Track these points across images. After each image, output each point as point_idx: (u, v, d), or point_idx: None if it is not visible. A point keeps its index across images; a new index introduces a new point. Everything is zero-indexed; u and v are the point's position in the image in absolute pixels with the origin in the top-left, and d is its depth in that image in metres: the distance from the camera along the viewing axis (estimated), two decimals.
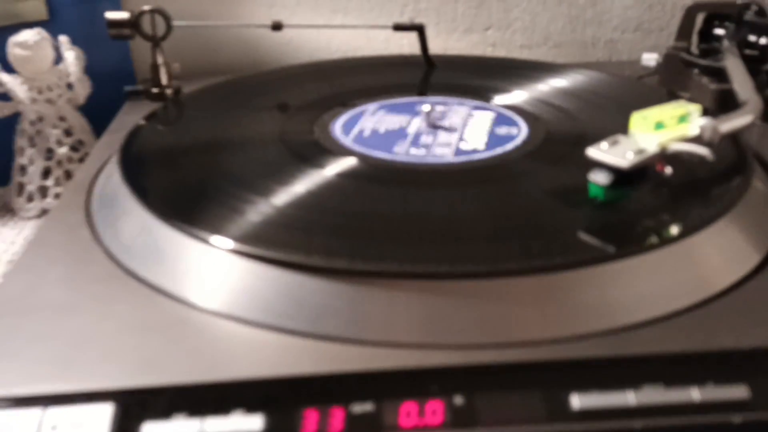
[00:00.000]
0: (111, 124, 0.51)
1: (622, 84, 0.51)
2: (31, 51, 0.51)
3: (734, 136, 0.39)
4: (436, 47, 0.66)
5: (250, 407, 0.24)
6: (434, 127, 0.43)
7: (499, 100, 0.49)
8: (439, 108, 0.46)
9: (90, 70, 0.55)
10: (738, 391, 0.25)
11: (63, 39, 0.53)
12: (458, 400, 0.25)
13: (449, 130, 0.43)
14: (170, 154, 0.42)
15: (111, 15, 0.52)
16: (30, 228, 0.50)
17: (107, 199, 0.37)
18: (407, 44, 0.67)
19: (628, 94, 0.49)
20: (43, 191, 0.53)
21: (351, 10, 0.66)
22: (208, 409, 0.24)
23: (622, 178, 0.32)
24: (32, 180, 0.52)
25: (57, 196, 0.52)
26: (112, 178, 0.38)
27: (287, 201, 0.34)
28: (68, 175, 0.53)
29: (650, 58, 0.57)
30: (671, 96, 0.49)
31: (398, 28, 0.55)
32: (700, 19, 0.54)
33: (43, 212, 0.52)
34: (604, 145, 0.33)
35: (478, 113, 0.46)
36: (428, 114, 0.44)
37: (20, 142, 0.53)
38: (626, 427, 0.24)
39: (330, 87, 0.52)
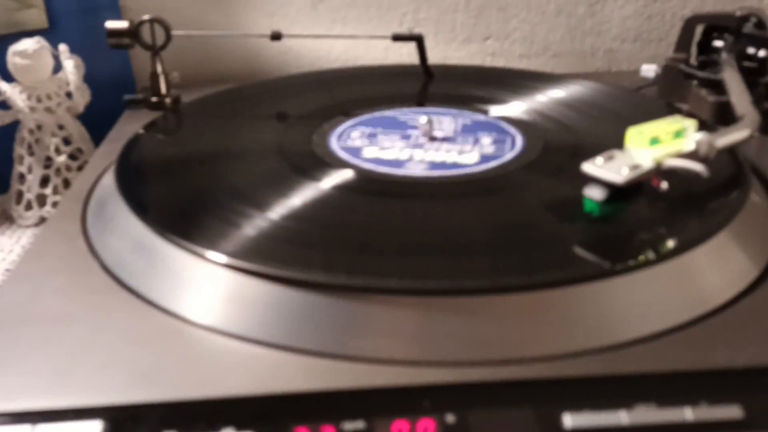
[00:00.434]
0: (110, 133, 0.51)
1: (620, 95, 0.51)
2: (31, 60, 0.51)
3: (732, 150, 0.39)
4: (435, 56, 0.66)
5: (241, 424, 0.24)
6: (431, 138, 0.43)
7: (497, 111, 0.49)
8: (437, 119, 0.46)
9: (90, 78, 0.55)
10: (731, 411, 0.25)
11: (62, 48, 0.53)
12: (450, 418, 0.25)
13: (446, 142, 0.43)
14: (167, 166, 0.42)
15: (111, 24, 0.52)
16: (28, 236, 0.50)
17: (103, 211, 0.37)
18: (407, 53, 0.67)
19: (626, 105, 0.49)
20: (42, 199, 0.53)
21: (350, 20, 0.66)
22: (198, 426, 0.24)
23: (617, 193, 0.32)
24: (31, 188, 0.53)
25: (55, 204, 0.52)
26: (108, 190, 0.38)
27: (282, 214, 0.34)
28: (67, 183, 0.53)
29: (649, 69, 0.57)
30: (670, 108, 0.49)
31: (397, 38, 0.56)
32: (699, 30, 0.54)
33: (42, 220, 0.52)
34: (599, 160, 0.33)
35: (475, 125, 0.46)
36: (425, 126, 0.44)
37: (19, 150, 0.53)
38: None
39: (329, 97, 0.52)
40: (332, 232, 0.33)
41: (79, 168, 0.54)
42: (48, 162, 0.53)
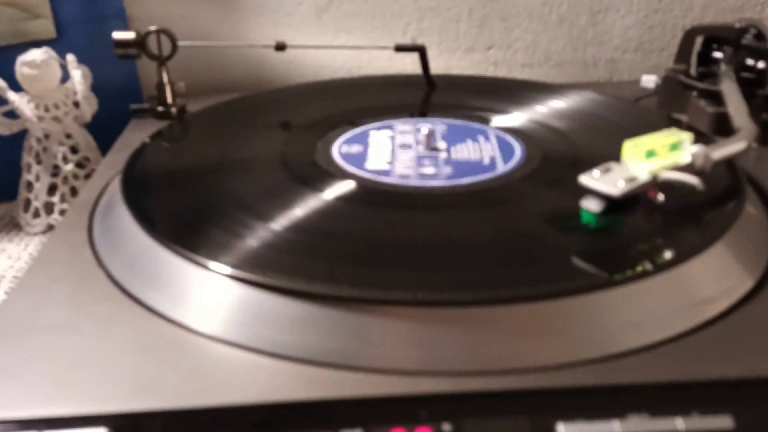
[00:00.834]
0: (116, 142, 0.52)
1: (619, 107, 0.51)
2: (39, 70, 0.52)
3: (729, 161, 0.39)
4: (438, 65, 0.67)
5: None
6: (433, 149, 0.44)
7: (498, 121, 0.49)
8: (438, 130, 0.47)
9: (97, 87, 0.56)
10: (722, 422, 0.25)
11: (70, 58, 0.54)
12: (446, 427, 0.25)
13: (446, 152, 0.44)
14: (172, 176, 0.42)
15: (118, 35, 0.53)
16: (35, 244, 0.51)
17: (109, 220, 0.38)
18: (410, 62, 0.67)
19: (625, 116, 0.50)
20: (49, 207, 0.53)
21: (354, 30, 0.67)
22: None
23: (613, 205, 0.33)
24: (38, 196, 0.53)
25: (63, 212, 0.53)
26: (114, 200, 0.39)
27: (285, 225, 0.35)
28: (74, 191, 0.54)
29: (649, 80, 0.58)
30: (669, 119, 0.49)
31: (400, 49, 0.56)
32: (699, 41, 0.55)
33: (49, 228, 0.53)
34: (596, 172, 0.34)
35: (476, 135, 0.46)
36: (427, 137, 0.44)
37: (27, 158, 0.54)
38: None
39: (332, 107, 0.53)
40: (334, 243, 0.34)
41: (86, 176, 0.54)
42: (55, 170, 0.54)
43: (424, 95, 0.57)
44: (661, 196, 0.35)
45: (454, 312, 0.28)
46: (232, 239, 0.33)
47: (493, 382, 0.26)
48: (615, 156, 0.35)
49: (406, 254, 0.33)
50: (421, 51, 0.56)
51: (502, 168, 0.41)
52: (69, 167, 0.54)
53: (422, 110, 0.54)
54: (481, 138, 0.46)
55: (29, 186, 0.54)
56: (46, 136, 0.53)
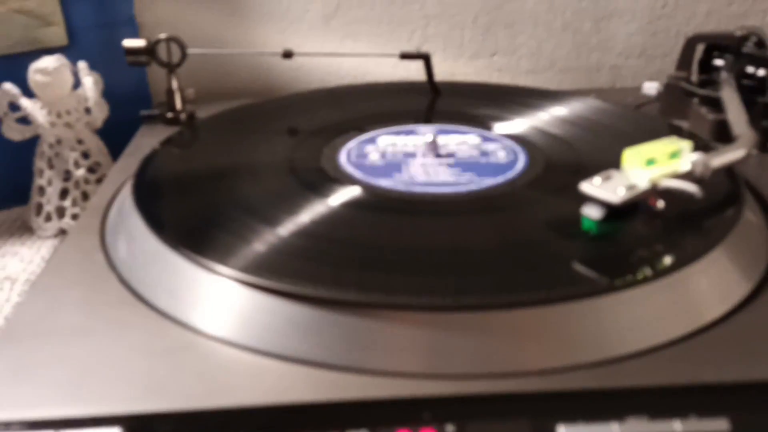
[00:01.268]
0: (127, 147, 0.53)
1: (622, 114, 0.52)
2: (51, 77, 0.53)
3: (728, 167, 0.40)
4: (443, 71, 0.68)
5: None
6: (436, 156, 0.45)
7: (501, 128, 0.50)
8: (442, 137, 0.47)
9: (107, 93, 0.57)
10: (719, 424, 0.26)
11: (82, 65, 0.55)
12: (450, 428, 0.26)
13: (450, 159, 0.44)
14: (181, 181, 0.43)
15: (128, 43, 0.54)
16: (47, 247, 0.52)
17: (120, 225, 0.39)
18: (415, 68, 0.68)
19: (627, 123, 0.50)
20: (61, 211, 0.54)
21: (361, 36, 0.68)
22: None
23: (614, 212, 0.34)
24: (50, 200, 0.54)
25: (74, 216, 0.54)
26: (125, 204, 0.40)
27: (292, 231, 0.36)
28: (85, 196, 0.55)
29: (651, 87, 0.58)
30: (670, 127, 0.50)
31: (405, 56, 0.57)
32: (700, 49, 0.55)
33: (61, 232, 0.54)
34: (596, 180, 0.34)
35: (480, 142, 0.47)
36: (431, 143, 0.45)
37: (39, 163, 0.55)
38: None
39: (339, 113, 0.54)
40: (340, 248, 0.35)
41: (98, 181, 0.55)
42: (67, 175, 0.55)
43: (428, 102, 0.57)
44: (660, 204, 0.35)
45: (458, 316, 0.29)
46: (241, 244, 0.34)
47: (496, 385, 0.27)
48: (616, 163, 0.35)
49: (411, 259, 0.34)
50: (426, 59, 0.57)
51: (505, 175, 0.42)
52: (80, 172, 0.54)
53: (427, 117, 0.55)
54: (484, 145, 0.47)
55: (41, 190, 0.55)
56: (58, 142, 0.54)
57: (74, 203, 0.55)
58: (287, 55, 0.56)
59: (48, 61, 0.53)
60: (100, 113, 0.56)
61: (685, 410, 0.26)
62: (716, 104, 0.50)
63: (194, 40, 0.56)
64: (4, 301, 0.44)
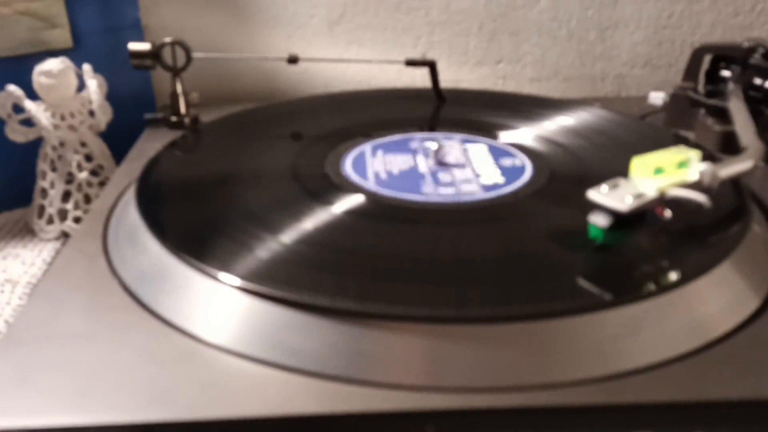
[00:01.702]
0: (130, 151, 0.53)
1: (627, 123, 0.52)
2: (56, 79, 0.52)
3: (734, 180, 0.40)
4: (448, 78, 0.68)
5: None
6: (441, 164, 0.45)
7: (506, 137, 0.50)
8: (447, 144, 0.47)
9: (111, 96, 0.57)
10: None
11: (86, 68, 0.55)
12: None
13: (456, 168, 0.44)
14: (185, 187, 0.43)
15: (133, 46, 0.54)
16: (49, 250, 0.52)
17: (123, 230, 0.39)
18: (420, 75, 0.68)
19: (633, 133, 0.50)
20: (63, 214, 0.54)
21: (366, 42, 0.68)
22: None
23: (621, 220, 0.33)
24: (53, 203, 0.54)
25: (76, 219, 0.54)
26: (128, 209, 0.40)
27: (295, 238, 0.36)
28: (88, 198, 0.55)
29: (657, 97, 0.58)
30: (676, 138, 0.50)
31: (410, 63, 0.57)
32: (707, 60, 0.55)
33: (63, 234, 0.54)
34: (604, 188, 0.34)
35: (484, 151, 0.47)
36: (435, 152, 0.45)
37: (42, 165, 0.55)
38: None
39: (343, 120, 0.53)
40: (342, 256, 0.34)
41: (100, 184, 0.55)
42: (70, 178, 0.54)
43: (433, 109, 0.57)
44: (668, 213, 0.35)
45: (463, 329, 0.29)
46: (243, 251, 0.34)
47: (499, 399, 0.27)
48: (622, 173, 0.35)
49: (413, 269, 0.33)
50: (432, 66, 0.57)
51: (510, 185, 0.42)
52: (83, 175, 0.54)
53: (432, 124, 0.55)
54: (489, 153, 0.46)
55: (44, 193, 0.55)
56: (62, 144, 0.54)
57: (76, 206, 0.54)
58: (292, 60, 0.55)
59: (52, 64, 0.53)
60: (104, 116, 0.56)
61: (691, 427, 0.26)
62: (722, 115, 0.50)
63: (199, 45, 0.56)
64: (4, 303, 0.44)
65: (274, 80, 0.68)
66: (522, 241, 0.36)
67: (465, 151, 0.47)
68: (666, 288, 0.31)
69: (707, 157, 0.37)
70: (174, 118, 0.56)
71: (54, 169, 0.54)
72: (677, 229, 0.36)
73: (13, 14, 0.56)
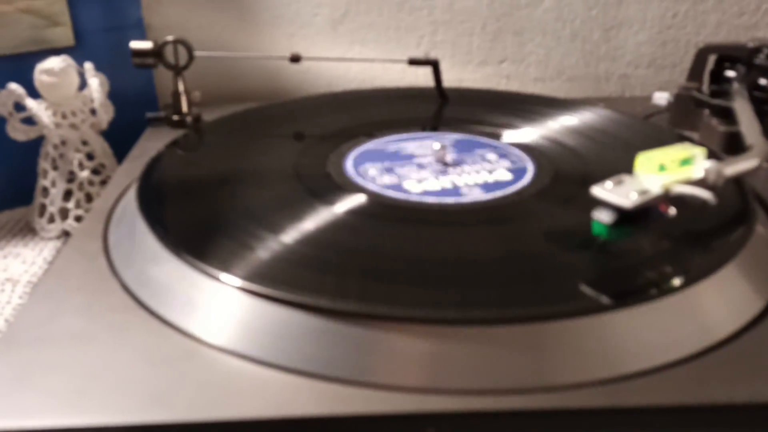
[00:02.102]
0: (132, 150, 0.53)
1: (631, 123, 0.52)
2: (57, 78, 0.52)
3: (737, 181, 0.39)
4: (451, 78, 0.68)
5: None
6: (443, 164, 0.44)
7: (509, 136, 0.50)
8: (450, 144, 0.47)
9: (113, 95, 0.57)
10: None
11: (88, 66, 0.55)
12: None
13: (458, 168, 0.44)
14: (186, 186, 0.43)
15: (135, 45, 0.54)
16: (50, 249, 0.52)
17: (124, 230, 0.39)
18: (423, 73, 0.68)
19: (636, 134, 0.50)
20: (64, 213, 0.54)
21: (368, 41, 0.68)
22: None
23: (625, 217, 0.33)
24: (54, 202, 0.54)
25: (77, 218, 0.54)
26: (129, 208, 0.39)
27: (296, 238, 0.35)
28: (89, 197, 0.54)
29: (661, 97, 0.58)
30: (680, 138, 0.49)
31: (413, 62, 0.57)
32: (711, 60, 0.55)
33: (64, 233, 0.54)
34: (608, 184, 0.34)
35: (488, 151, 0.47)
36: (439, 151, 0.45)
37: (43, 164, 0.54)
38: None
39: (346, 119, 0.53)
40: (344, 257, 0.34)
41: (102, 182, 0.55)
42: (71, 176, 0.54)
43: (436, 109, 0.57)
44: (672, 210, 0.35)
45: (465, 331, 0.29)
46: (244, 251, 0.34)
47: (501, 402, 0.27)
48: (624, 173, 0.35)
49: (415, 270, 0.33)
50: (435, 65, 0.57)
51: (513, 185, 0.41)
52: (85, 174, 0.54)
53: (435, 124, 0.54)
54: (492, 153, 0.46)
55: (45, 191, 0.55)
56: (63, 143, 0.54)
57: (78, 205, 0.54)
58: (295, 59, 0.55)
59: (54, 62, 0.52)
60: (106, 115, 0.56)
61: (695, 430, 0.26)
62: (727, 116, 0.49)
63: (201, 43, 0.56)
64: (5, 302, 0.44)
65: (277, 79, 0.68)
66: (525, 242, 0.36)
67: (468, 151, 0.47)
68: (669, 291, 0.31)
69: (711, 157, 0.36)
70: (176, 117, 0.56)
71: (55, 168, 0.54)
72: (681, 231, 0.35)
73: (15, 12, 0.56)
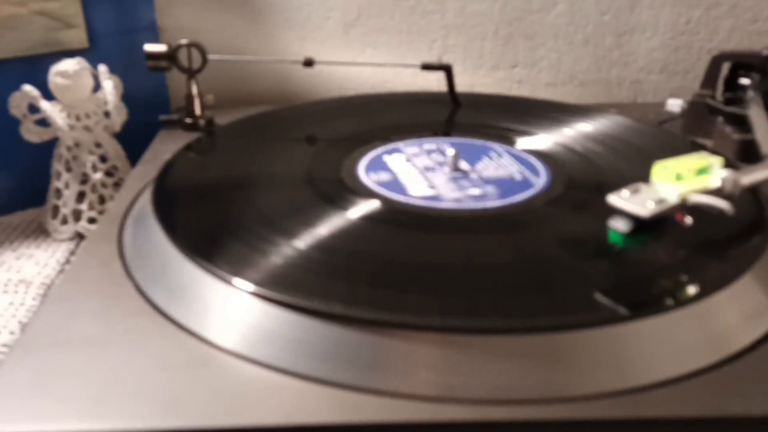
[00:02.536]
0: (145, 153, 0.53)
1: (645, 130, 0.51)
2: (72, 80, 0.53)
3: (753, 190, 0.39)
4: (463, 82, 0.67)
5: None
6: (456, 170, 0.44)
7: (523, 143, 0.49)
8: (463, 150, 0.47)
9: (126, 97, 0.57)
10: None
11: (102, 68, 0.55)
12: None
13: (471, 174, 0.44)
14: (201, 191, 0.43)
15: (149, 48, 0.54)
16: (63, 251, 0.52)
17: (138, 234, 0.39)
18: (434, 78, 0.68)
19: (650, 141, 0.50)
20: (77, 215, 0.54)
21: (380, 45, 0.68)
22: None
23: (641, 226, 0.33)
24: (67, 203, 0.54)
25: (90, 220, 0.54)
26: (144, 212, 0.40)
27: (310, 244, 0.35)
28: (102, 199, 0.55)
29: (675, 104, 0.58)
30: (693, 145, 0.49)
31: (426, 67, 0.57)
32: (725, 67, 0.54)
33: (77, 235, 0.54)
34: (625, 192, 0.33)
35: (501, 157, 0.47)
36: (452, 158, 0.44)
37: (57, 166, 0.55)
38: None
39: (358, 123, 0.53)
40: (356, 263, 0.34)
41: (115, 185, 0.55)
42: (84, 178, 0.54)
43: (449, 114, 0.57)
44: (689, 219, 0.34)
45: (478, 340, 0.29)
46: (257, 256, 0.34)
47: (516, 412, 0.27)
48: (639, 180, 0.35)
49: (428, 277, 0.33)
50: (448, 70, 0.57)
51: (526, 192, 0.41)
52: (98, 176, 0.54)
53: (447, 129, 0.54)
54: (505, 160, 0.46)
55: (58, 193, 0.55)
56: (76, 145, 0.54)
57: (91, 207, 0.54)
58: (308, 63, 0.55)
59: (68, 64, 0.53)
60: (119, 117, 0.56)
61: None
62: (741, 123, 0.49)
63: (214, 46, 0.56)
64: (18, 304, 0.44)
65: (289, 83, 0.68)
66: (538, 250, 0.36)
67: (481, 156, 0.47)
68: (685, 302, 0.31)
69: (726, 165, 0.36)
70: (189, 120, 0.56)
71: (69, 170, 0.54)
72: (696, 242, 0.35)
73: (29, 14, 0.57)
